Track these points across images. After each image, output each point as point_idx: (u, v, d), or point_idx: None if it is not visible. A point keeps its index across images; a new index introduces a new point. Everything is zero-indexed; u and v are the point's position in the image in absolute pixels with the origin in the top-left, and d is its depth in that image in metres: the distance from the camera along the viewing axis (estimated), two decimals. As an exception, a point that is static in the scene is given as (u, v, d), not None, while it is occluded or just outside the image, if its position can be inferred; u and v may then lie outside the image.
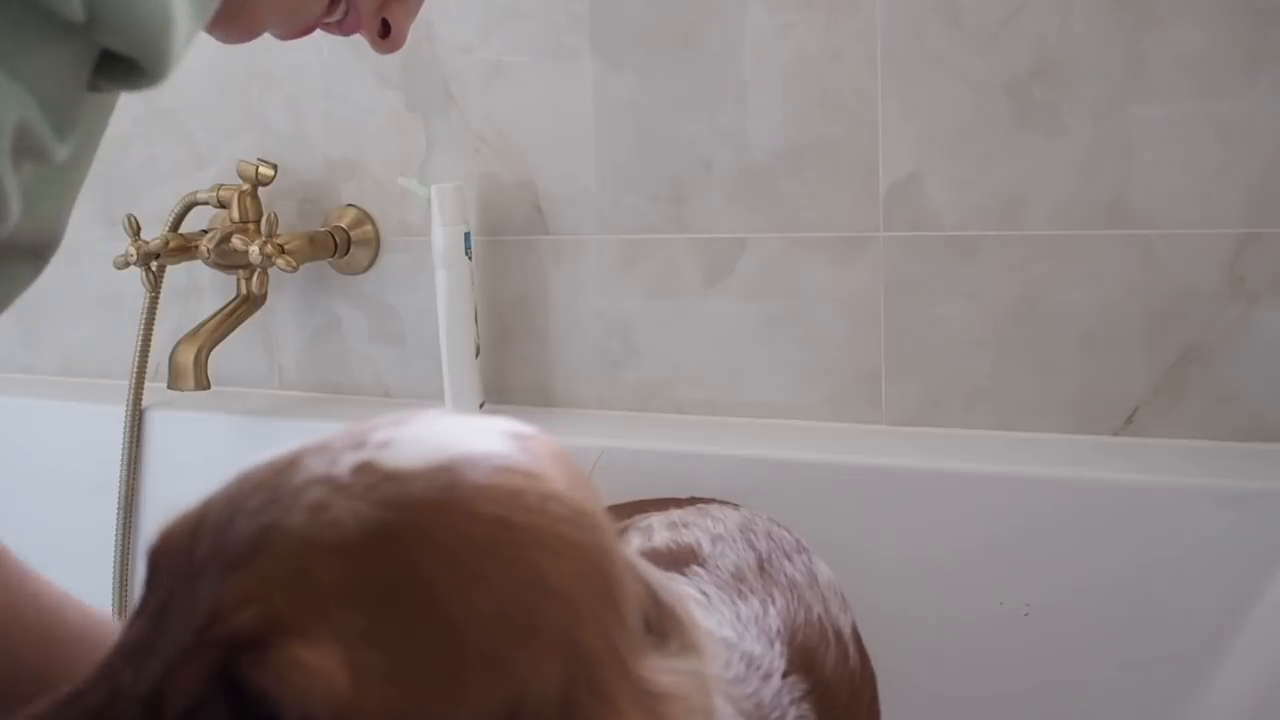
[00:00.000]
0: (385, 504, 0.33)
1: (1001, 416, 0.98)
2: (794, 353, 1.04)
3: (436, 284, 1.08)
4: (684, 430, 1.05)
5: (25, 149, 0.35)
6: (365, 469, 0.34)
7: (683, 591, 0.43)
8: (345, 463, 0.34)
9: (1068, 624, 0.87)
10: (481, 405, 1.12)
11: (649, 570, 0.41)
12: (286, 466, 0.35)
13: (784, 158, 1.01)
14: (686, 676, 0.37)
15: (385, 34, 0.59)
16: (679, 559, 0.71)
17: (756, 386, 1.06)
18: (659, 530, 0.75)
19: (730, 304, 1.05)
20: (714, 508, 0.79)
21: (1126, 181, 0.91)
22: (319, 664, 0.31)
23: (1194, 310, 0.91)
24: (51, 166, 0.37)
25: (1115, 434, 0.95)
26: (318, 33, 0.59)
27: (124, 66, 0.36)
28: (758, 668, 0.59)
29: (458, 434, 0.36)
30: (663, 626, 0.39)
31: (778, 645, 0.62)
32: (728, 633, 0.61)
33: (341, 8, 0.57)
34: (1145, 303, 0.92)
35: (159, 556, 0.35)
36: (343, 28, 0.58)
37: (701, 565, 0.69)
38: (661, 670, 0.37)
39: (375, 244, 1.19)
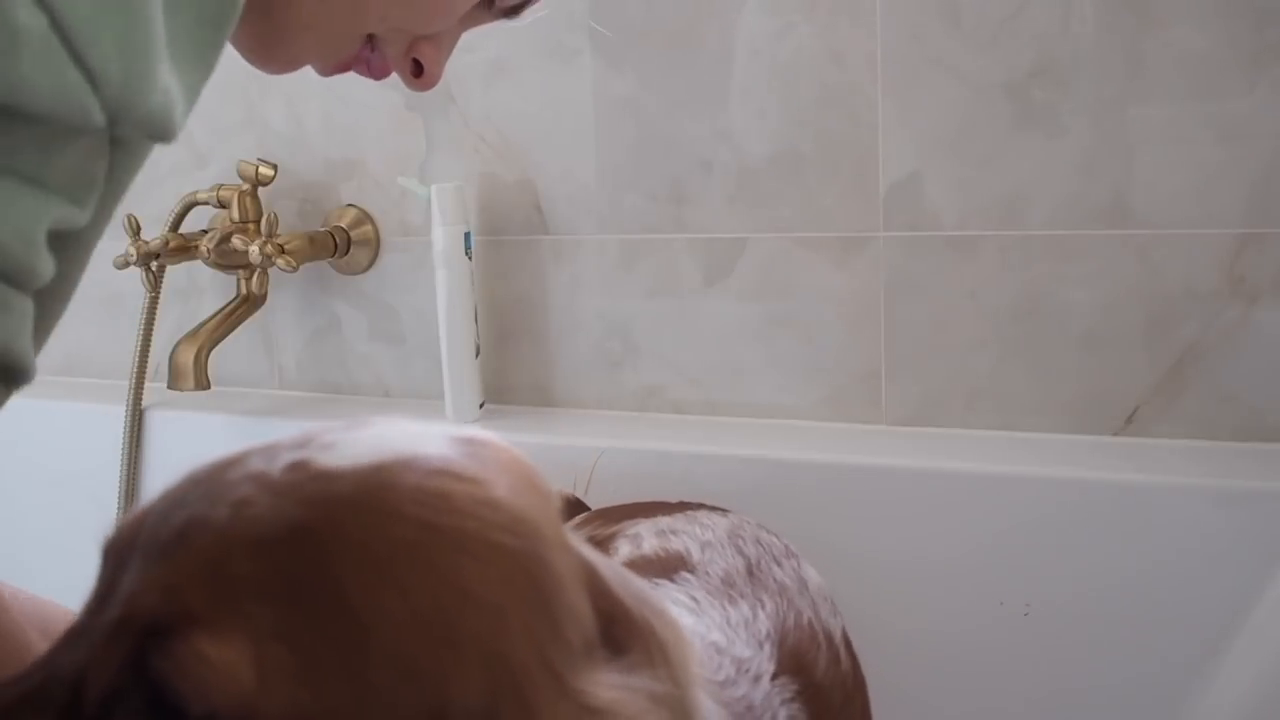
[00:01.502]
0: (307, 502, 0.33)
1: (1001, 416, 0.98)
2: (794, 353, 1.04)
3: (436, 284, 1.08)
4: (684, 430, 1.05)
5: (56, 234, 0.40)
6: (297, 467, 0.34)
7: (662, 601, 0.41)
8: (281, 461, 0.34)
9: (1068, 624, 0.87)
10: (482, 405, 1.12)
11: (620, 579, 0.39)
12: (230, 464, 0.35)
13: (784, 158, 1.01)
14: (633, 693, 0.35)
15: (418, 73, 0.59)
16: (668, 566, 0.71)
17: (756, 386, 1.06)
18: (647, 538, 0.75)
19: (730, 304, 1.05)
20: (702, 514, 0.79)
21: (1126, 181, 0.91)
22: (223, 658, 0.30)
23: (1194, 310, 0.91)
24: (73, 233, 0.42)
25: (1115, 434, 0.95)
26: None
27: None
28: (747, 670, 0.58)
29: (404, 438, 0.35)
30: (623, 638, 0.37)
31: (767, 648, 0.62)
32: (717, 637, 0.61)
33: (368, 50, 0.57)
34: (1145, 303, 0.92)
35: (108, 548, 0.36)
36: (373, 71, 0.58)
37: (691, 572, 0.69)
38: (606, 685, 0.35)
39: (375, 244, 1.19)
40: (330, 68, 0.57)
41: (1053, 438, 0.96)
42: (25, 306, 0.40)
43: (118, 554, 0.35)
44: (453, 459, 0.35)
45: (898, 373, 1.01)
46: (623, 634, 0.37)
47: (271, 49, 0.54)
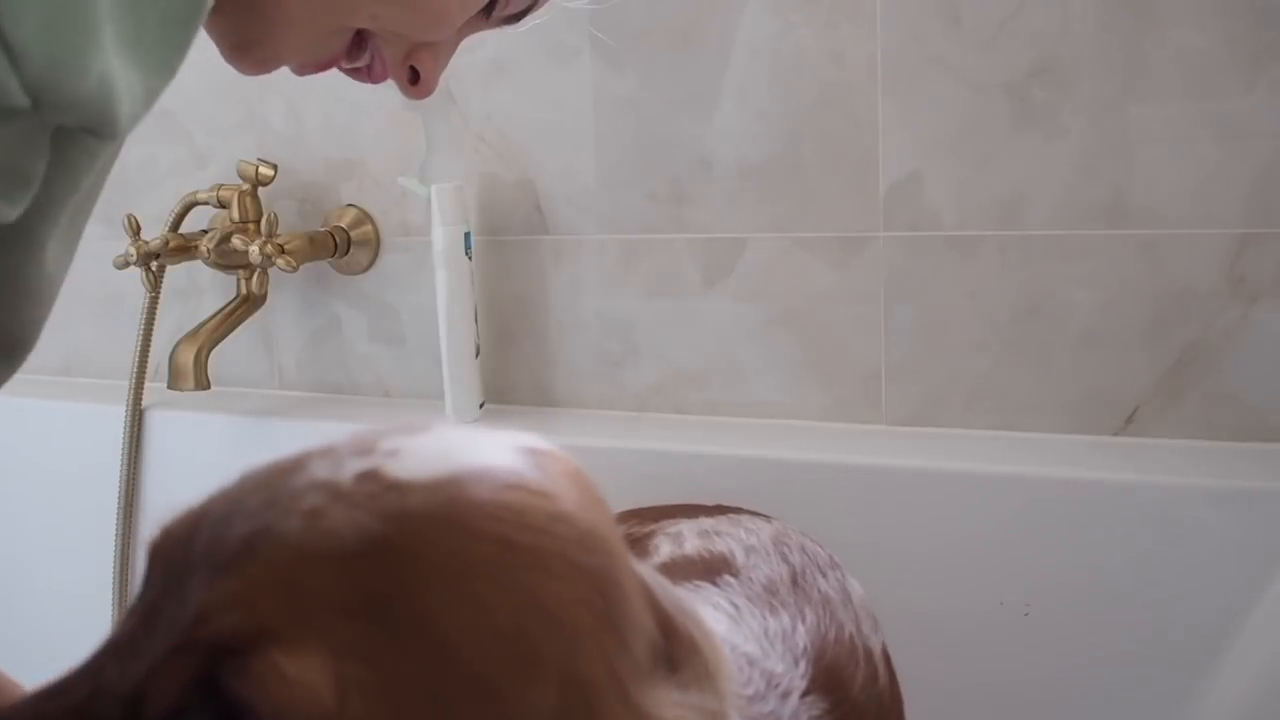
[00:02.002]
0: (384, 515, 0.32)
1: (1001, 416, 0.98)
2: (794, 353, 1.04)
3: (436, 284, 1.08)
4: (684, 430, 1.05)
5: None
6: (369, 477, 0.33)
7: (703, 613, 0.41)
8: (349, 469, 0.33)
9: (1068, 624, 0.87)
10: (482, 405, 1.12)
11: (666, 592, 0.39)
12: (290, 469, 0.34)
13: (784, 158, 1.01)
14: (693, 712, 0.35)
15: (414, 80, 0.59)
16: (711, 568, 0.69)
17: (756, 386, 1.06)
18: (690, 537, 0.74)
19: (730, 304, 1.05)
20: (745, 518, 0.78)
21: (1126, 181, 0.91)
22: (303, 676, 0.29)
23: (1194, 310, 0.91)
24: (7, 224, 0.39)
25: (1115, 434, 0.95)
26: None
27: (79, 128, 0.38)
28: (776, 685, 0.58)
29: (468, 447, 0.35)
30: (676, 655, 0.37)
31: (802, 664, 0.61)
32: (751, 648, 0.60)
33: (366, 55, 0.57)
34: (1145, 303, 0.92)
35: (157, 553, 0.35)
36: (371, 76, 0.58)
37: (734, 576, 0.68)
38: (667, 704, 0.35)
39: (375, 244, 1.19)
40: (307, 67, 0.56)
41: (1052, 438, 0.96)
42: None
43: (167, 560, 0.34)
44: (523, 471, 0.35)
45: (898, 373, 1.01)
46: (676, 650, 0.37)
47: (254, 46, 0.53)
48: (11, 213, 0.39)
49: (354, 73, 0.58)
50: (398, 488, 0.33)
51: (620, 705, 0.33)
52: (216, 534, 0.33)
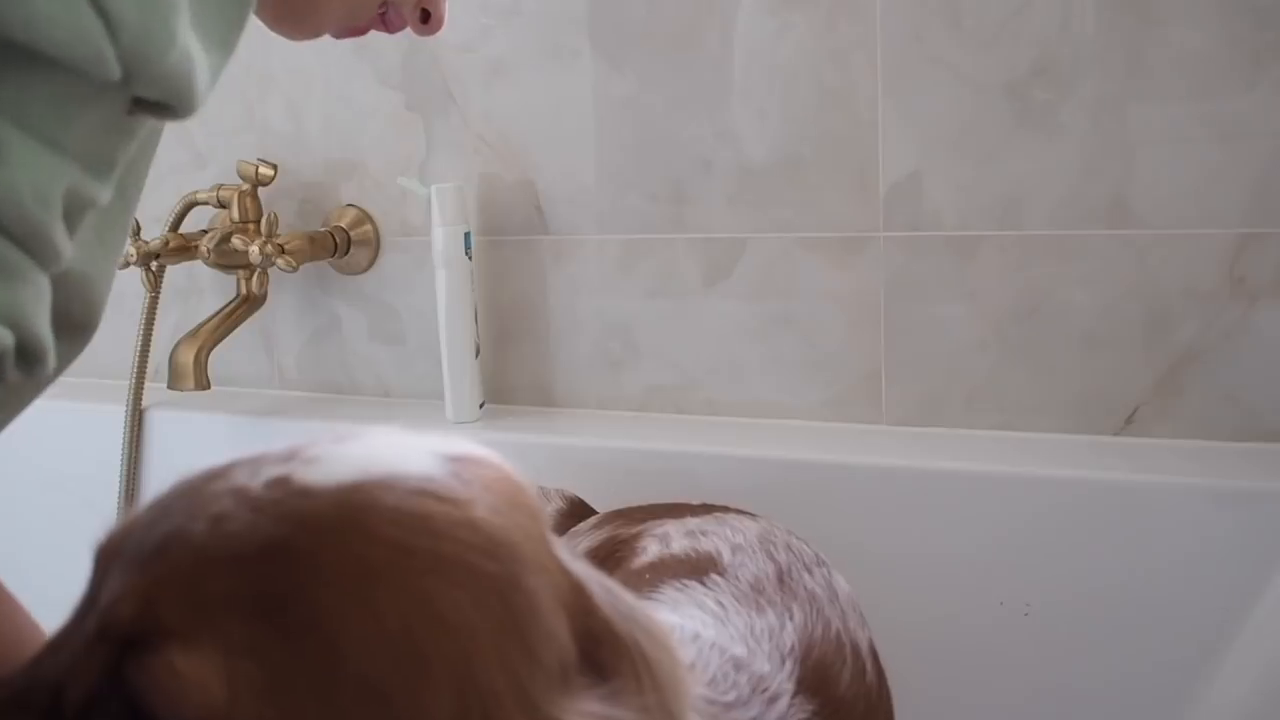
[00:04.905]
0: (284, 519, 0.33)
1: (1001, 416, 0.98)
2: (794, 353, 1.04)
3: (436, 284, 1.08)
4: (684, 430, 1.05)
5: (72, 206, 0.39)
6: (279, 483, 0.34)
7: (654, 617, 0.40)
8: (263, 476, 0.34)
9: (1068, 624, 0.87)
10: (482, 405, 1.12)
11: (610, 599, 0.39)
12: (214, 476, 0.35)
13: (784, 158, 1.01)
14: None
15: (426, 19, 0.63)
16: (698, 567, 0.69)
17: (756, 386, 1.06)
18: (676, 538, 0.74)
19: (730, 304, 1.05)
20: (732, 517, 0.78)
21: (1126, 181, 0.91)
22: (195, 672, 0.31)
23: (1194, 310, 0.91)
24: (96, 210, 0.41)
25: (1115, 434, 0.95)
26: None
27: (156, 105, 0.40)
28: (764, 690, 0.57)
29: (387, 454, 0.36)
30: (606, 660, 0.37)
31: (789, 664, 0.61)
32: (739, 650, 0.60)
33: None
34: (1145, 303, 0.92)
35: (99, 554, 0.36)
36: (388, 27, 0.61)
37: (721, 575, 0.68)
38: (580, 713, 0.34)
39: (375, 244, 1.19)
40: (346, 31, 0.60)
41: (1053, 438, 0.96)
42: (43, 284, 0.40)
43: (106, 560, 0.35)
44: (435, 478, 0.35)
45: (898, 373, 1.01)
46: (608, 656, 0.37)
47: (302, 16, 0.56)
48: (104, 194, 0.41)
49: (374, 27, 0.62)
50: (302, 493, 0.34)
51: (521, 713, 0.33)
52: (142, 537, 0.34)
